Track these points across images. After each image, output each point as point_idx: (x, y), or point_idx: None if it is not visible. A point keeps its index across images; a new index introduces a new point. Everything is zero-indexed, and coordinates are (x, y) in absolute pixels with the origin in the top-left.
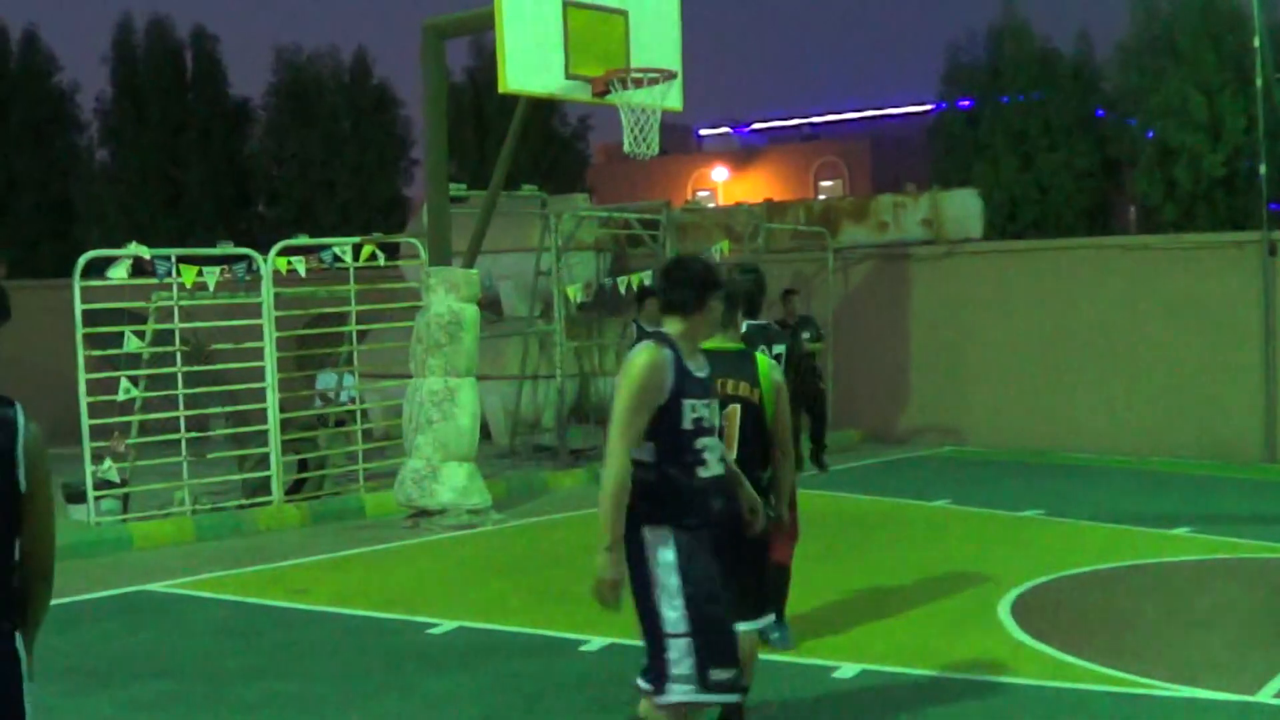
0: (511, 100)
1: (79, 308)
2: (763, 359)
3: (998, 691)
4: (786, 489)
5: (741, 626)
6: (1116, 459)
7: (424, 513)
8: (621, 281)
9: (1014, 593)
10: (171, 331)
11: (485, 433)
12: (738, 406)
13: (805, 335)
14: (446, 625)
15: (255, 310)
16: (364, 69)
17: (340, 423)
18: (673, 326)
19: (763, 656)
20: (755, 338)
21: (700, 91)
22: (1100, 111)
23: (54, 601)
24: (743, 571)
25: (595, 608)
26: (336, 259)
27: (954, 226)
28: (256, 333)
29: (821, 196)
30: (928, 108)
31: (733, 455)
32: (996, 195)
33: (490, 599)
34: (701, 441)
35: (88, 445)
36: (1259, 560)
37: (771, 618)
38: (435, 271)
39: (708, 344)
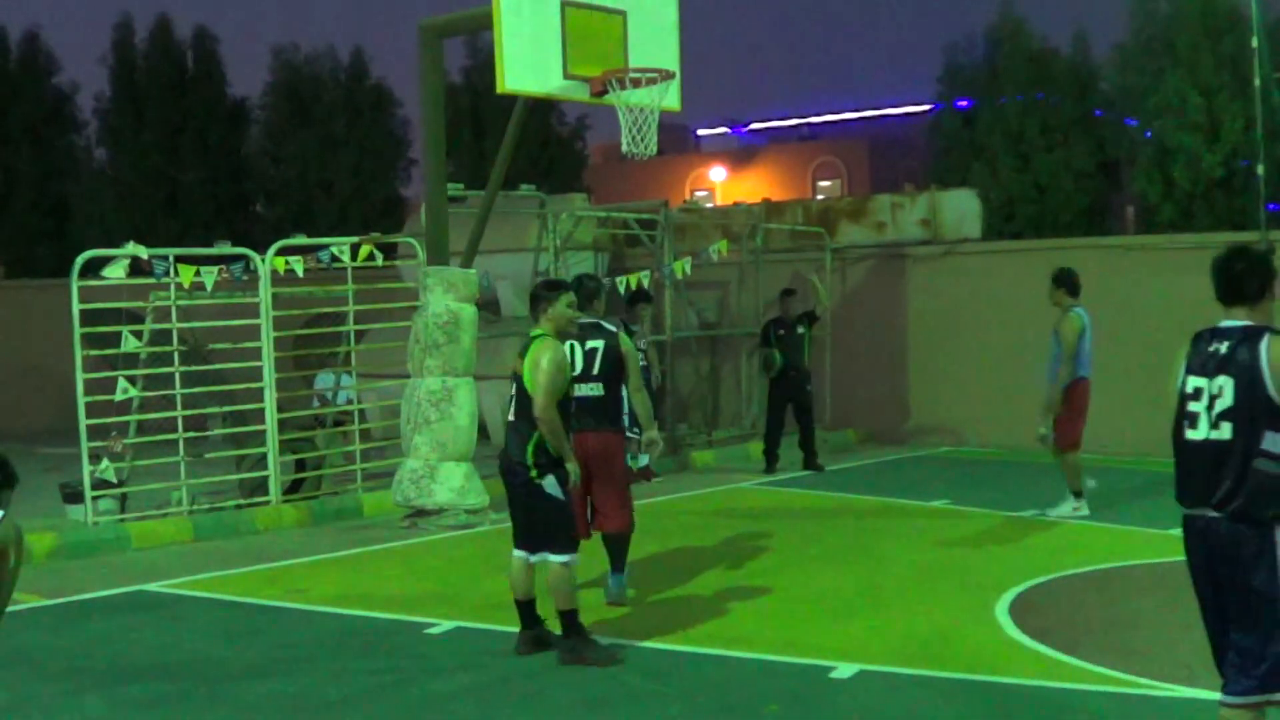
0: (509, 100)
1: (77, 307)
2: (537, 344)
3: (995, 691)
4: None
5: (533, 556)
6: (1114, 459)
7: (422, 512)
8: (620, 281)
9: (1012, 592)
10: (169, 331)
11: (483, 432)
12: (516, 379)
13: (800, 330)
14: (444, 625)
15: (253, 310)
16: (361, 69)
17: (338, 423)
18: (1240, 316)
19: (761, 656)
20: (581, 331)
21: (698, 91)
22: (1098, 112)
23: (52, 601)
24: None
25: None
26: (334, 259)
27: (952, 227)
28: (254, 333)
29: (820, 196)
30: (925, 108)
31: (511, 417)
32: (994, 195)
33: (488, 599)
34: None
35: (85, 445)
36: None
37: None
38: (433, 271)
39: (535, 331)
